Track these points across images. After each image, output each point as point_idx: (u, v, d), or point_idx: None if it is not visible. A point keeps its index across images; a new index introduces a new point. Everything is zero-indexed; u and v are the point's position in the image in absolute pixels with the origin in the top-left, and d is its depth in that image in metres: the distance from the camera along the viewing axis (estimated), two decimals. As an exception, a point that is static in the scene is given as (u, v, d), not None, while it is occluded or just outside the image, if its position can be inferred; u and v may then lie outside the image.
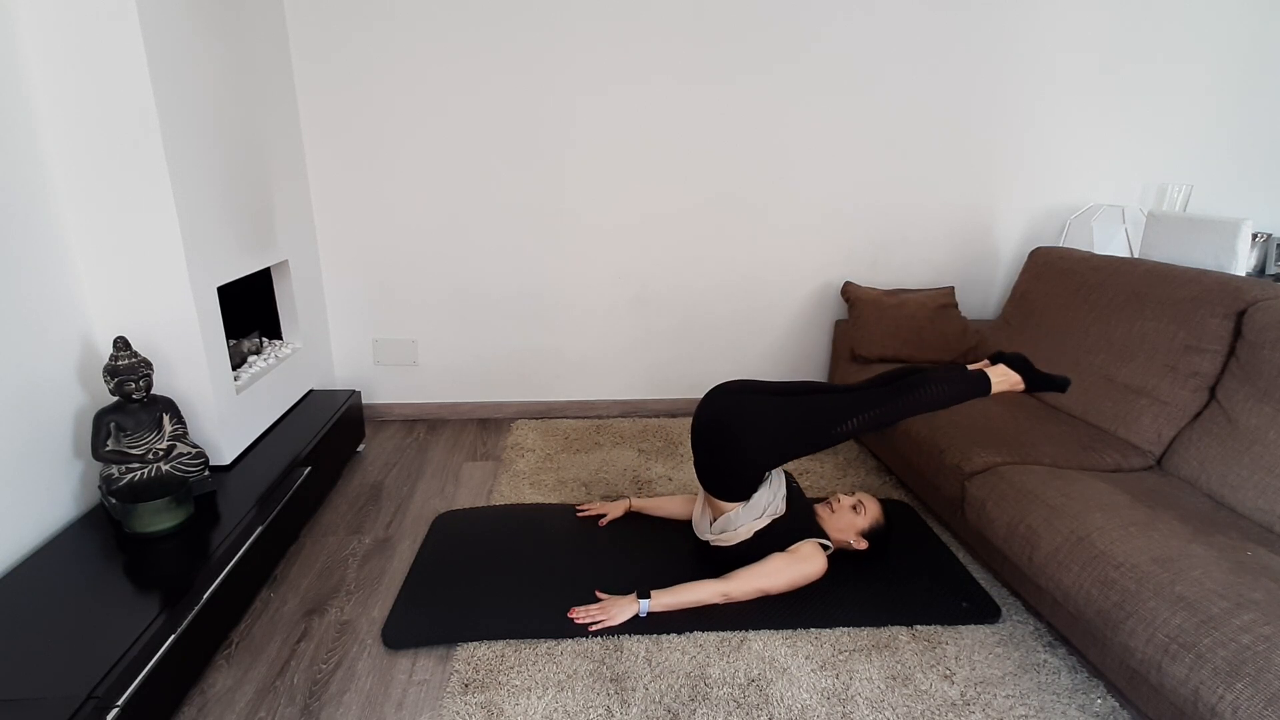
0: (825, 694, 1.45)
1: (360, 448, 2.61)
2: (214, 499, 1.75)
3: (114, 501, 1.58)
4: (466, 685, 1.46)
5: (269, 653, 1.56)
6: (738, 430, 1.66)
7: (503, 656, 1.54)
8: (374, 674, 1.51)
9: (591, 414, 3.02)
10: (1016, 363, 1.81)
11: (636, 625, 1.61)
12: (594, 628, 1.60)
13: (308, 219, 2.60)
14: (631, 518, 2.06)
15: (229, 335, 2.14)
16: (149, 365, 1.65)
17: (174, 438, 1.69)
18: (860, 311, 2.75)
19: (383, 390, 2.93)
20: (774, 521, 1.72)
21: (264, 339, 2.44)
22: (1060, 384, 1.80)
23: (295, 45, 2.44)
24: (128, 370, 1.60)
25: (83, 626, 1.27)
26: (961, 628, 1.67)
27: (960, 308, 2.93)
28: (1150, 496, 1.63)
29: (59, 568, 1.45)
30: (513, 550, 1.90)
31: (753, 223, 2.83)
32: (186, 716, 1.38)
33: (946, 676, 1.51)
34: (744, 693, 1.45)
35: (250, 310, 2.42)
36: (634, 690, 1.45)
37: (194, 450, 1.72)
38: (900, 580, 1.81)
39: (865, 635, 1.63)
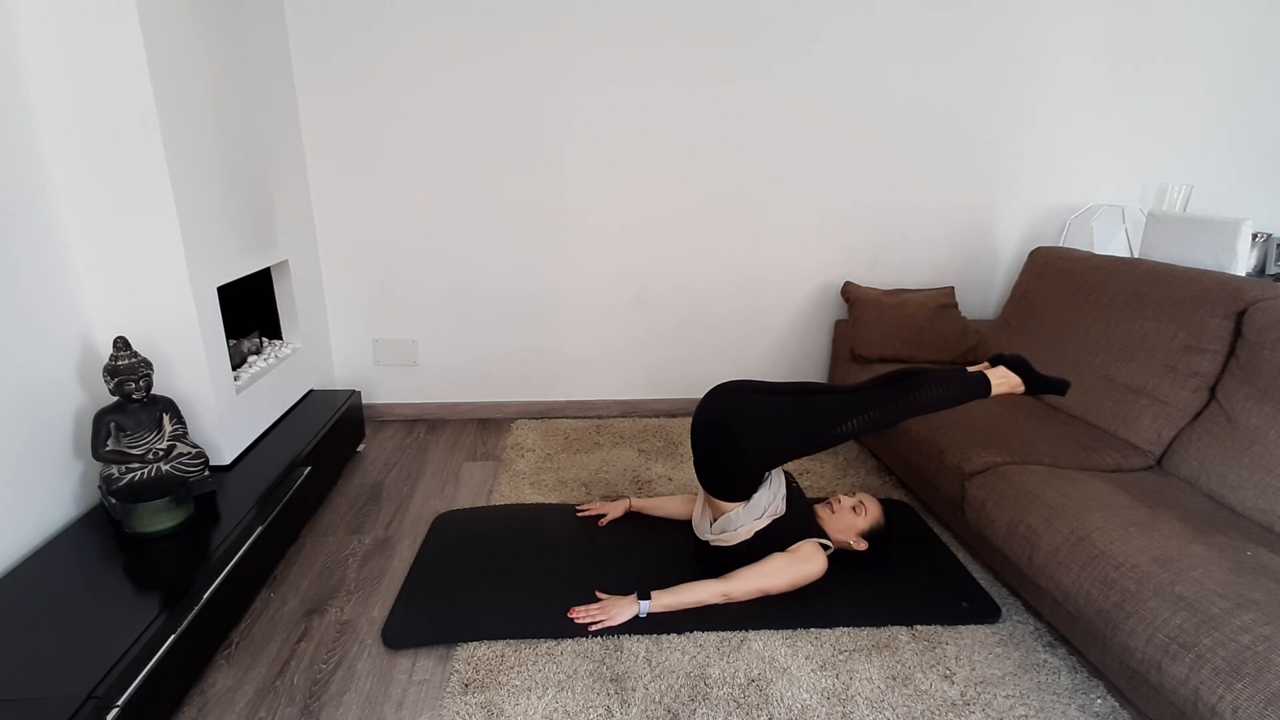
0: (825, 694, 1.45)
1: (360, 448, 2.61)
2: (214, 499, 1.75)
3: (114, 501, 1.58)
4: (466, 685, 1.46)
5: (269, 653, 1.56)
6: (738, 430, 1.66)
7: (503, 656, 1.54)
8: (374, 674, 1.51)
9: (591, 414, 3.02)
10: (1016, 365, 1.81)
11: (636, 625, 1.61)
12: (594, 628, 1.60)
13: (308, 219, 2.60)
14: (631, 518, 2.06)
15: (229, 335, 2.14)
16: (149, 365, 1.65)
17: (174, 438, 1.69)
18: (860, 311, 2.75)
19: (383, 390, 2.94)
20: (774, 522, 1.72)
21: (264, 339, 2.44)
22: (1060, 387, 1.81)
23: (295, 45, 2.45)
24: (128, 370, 1.60)
25: (83, 626, 1.27)
26: (961, 628, 1.67)
27: (960, 308, 2.93)
28: (1150, 496, 1.63)
29: (59, 568, 1.45)
30: (513, 550, 1.90)
31: (753, 223, 2.83)
32: (186, 716, 1.38)
33: (946, 676, 1.51)
34: (744, 693, 1.45)
35: (250, 310, 2.42)
36: (634, 690, 1.45)
37: (194, 450, 1.72)
38: (900, 580, 1.81)
39: (865, 635, 1.63)
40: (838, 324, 2.93)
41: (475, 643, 1.57)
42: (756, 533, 1.71)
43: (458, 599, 1.70)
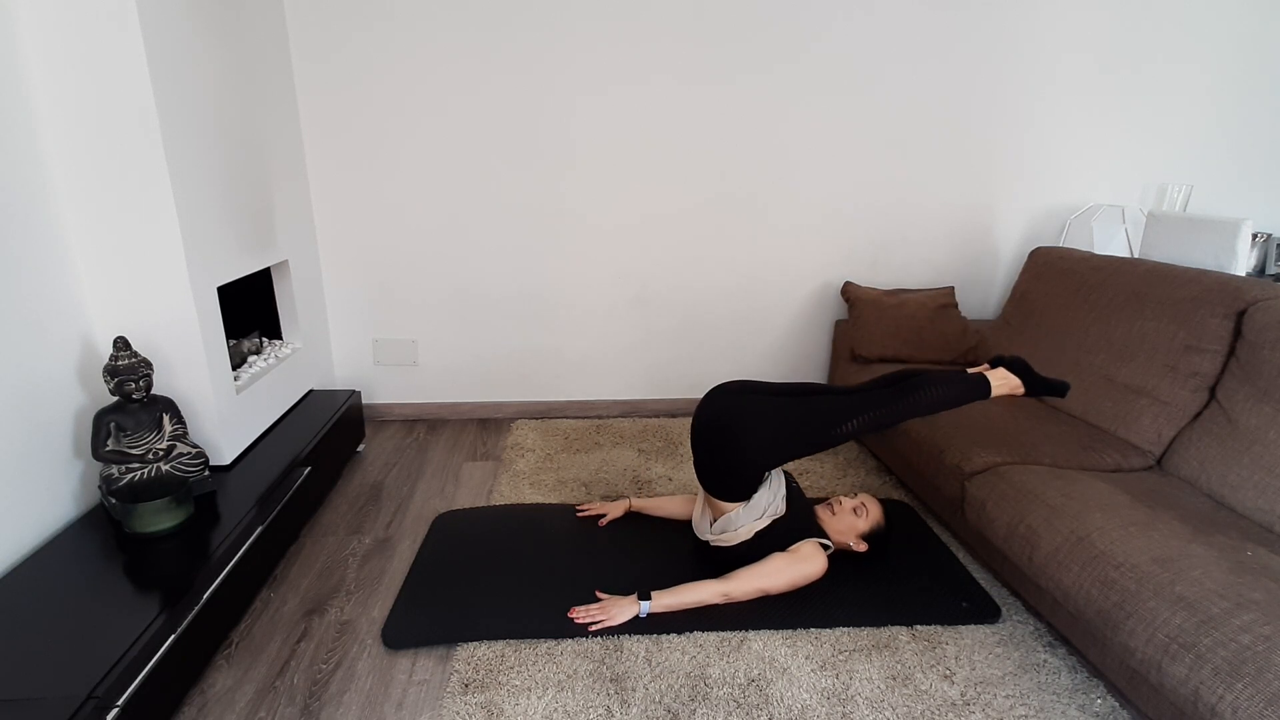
0: (825, 694, 1.45)
1: (360, 448, 2.61)
2: (214, 499, 1.75)
3: (114, 501, 1.58)
4: (466, 685, 1.46)
5: (269, 653, 1.56)
6: (738, 430, 1.66)
7: (503, 656, 1.54)
8: (374, 674, 1.51)
9: (591, 414, 3.02)
10: (1016, 367, 1.81)
11: (636, 625, 1.61)
12: (594, 628, 1.60)
13: (308, 219, 2.60)
14: (631, 518, 2.06)
15: (229, 335, 2.14)
16: (149, 365, 1.65)
17: (174, 438, 1.69)
18: (860, 311, 2.75)
19: (383, 390, 2.94)
20: (774, 522, 1.72)
21: (264, 339, 2.44)
22: (1060, 389, 1.81)
23: (295, 45, 2.45)
24: (128, 370, 1.60)
25: (83, 626, 1.27)
26: (961, 628, 1.67)
27: (960, 308, 2.93)
28: (1150, 496, 1.63)
29: (59, 568, 1.45)
30: (513, 550, 1.90)
31: (753, 223, 2.83)
32: (186, 716, 1.38)
33: (946, 676, 1.51)
34: (744, 693, 1.45)
35: (250, 310, 2.42)
36: (634, 690, 1.45)
37: (194, 450, 1.72)
38: (900, 580, 1.81)
39: (865, 635, 1.63)
40: (838, 324, 2.93)
41: (475, 643, 1.57)
42: (756, 533, 1.71)
43: (458, 599, 1.70)
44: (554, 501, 2.24)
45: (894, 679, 1.50)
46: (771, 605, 1.68)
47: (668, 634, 1.60)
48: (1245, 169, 2.98)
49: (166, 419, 1.69)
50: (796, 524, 1.75)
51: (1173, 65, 2.77)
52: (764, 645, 1.59)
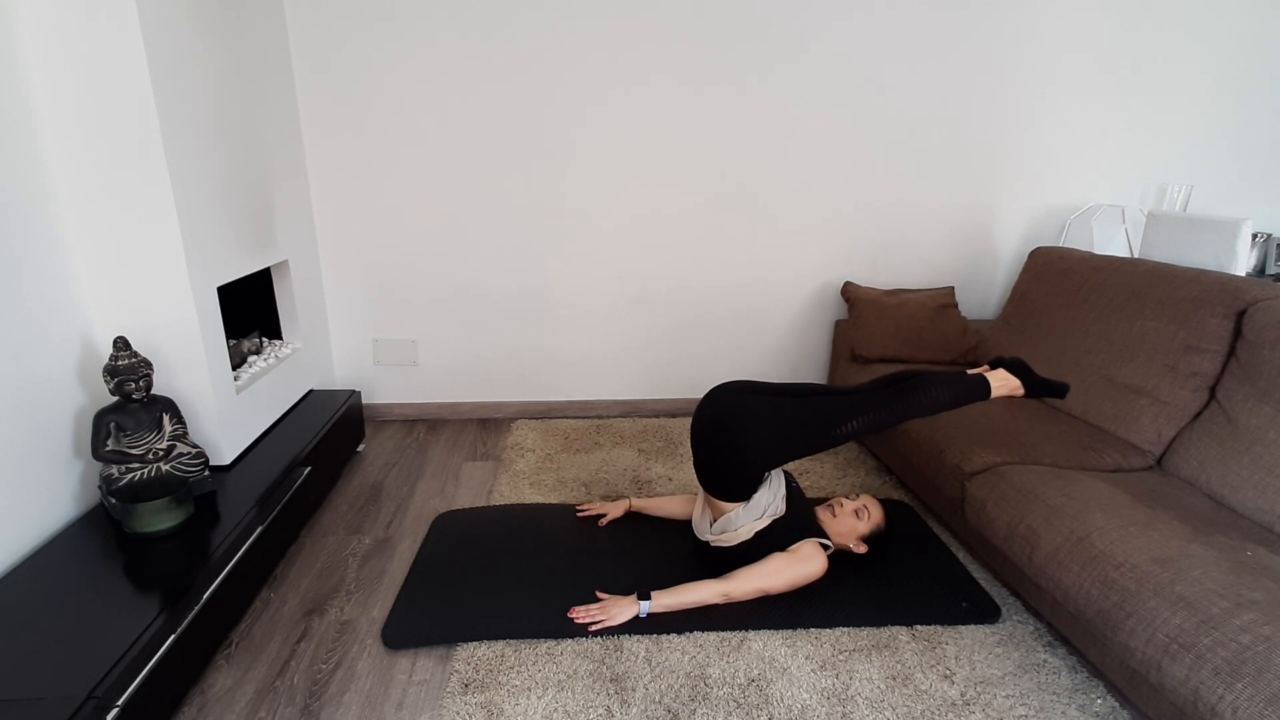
0: (825, 694, 1.45)
1: (360, 448, 2.61)
2: (214, 499, 1.75)
3: (114, 501, 1.58)
4: (466, 685, 1.46)
5: (269, 653, 1.56)
6: (737, 430, 1.66)
7: (503, 656, 1.54)
8: (374, 674, 1.51)
9: (591, 414, 3.02)
10: (1016, 368, 1.81)
11: (636, 625, 1.61)
12: (594, 628, 1.60)
13: (308, 219, 2.60)
14: (631, 518, 2.06)
15: (229, 335, 2.14)
16: (149, 365, 1.65)
17: (174, 438, 1.69)
18: (860, 311, 2.75)
19: (383, 390, 2.94)
20: (774, 522, 1.72)
21: (264, 339, 2.44)
22: (1059, 390, 1.81)
23: (295, 45, 2.45)
24: (128, 370, 1.60)
25: (83, 626, 1.27)
26: (961, 628, 1.67)
27: (960, 308, 2.93)
28: (1150, 496, 1.63)
29: (59, 568, 1.45)
30: (513, 550, 1.90)
31: (753, 223, 2.83)
32: (186, 716, 1.38)
33: (946, 676, 1.51)
34: (744, 693, 1.45)
35: (250, 310, 2.42)
36: (634, 690, 1.45)
37: (194, 450, 1.72)
38: (900, 580, 1.81)
39: (865, 635, 1.63)
40: (838, 324, 2.93)
41: (475, 643, 1.57)
42: (756, 533, 1.71)
43: (458, 599, 1.70)
44: (554, 501, 2.24)
45: (894, 679, 1.50)
46: (771, 605, 1.68)
47: (668, 634, 1.60)
48: (1245, 169, 2.98)
49: (166, 419, 1.69)
50: (796, 524, 1.75)
51: (1173, 65, 2.77)
52: (764, 645, 1.59)
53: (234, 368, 2.13)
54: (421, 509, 2.20)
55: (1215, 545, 1.41)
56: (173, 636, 1.31)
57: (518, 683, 1.46)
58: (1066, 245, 2.83)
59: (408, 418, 2.96)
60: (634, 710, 1.40)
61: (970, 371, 1.82)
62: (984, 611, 1.70)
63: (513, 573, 1.80)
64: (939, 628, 1.66)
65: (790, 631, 1.63)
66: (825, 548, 1.75)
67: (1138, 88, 2.79)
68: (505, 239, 2.75)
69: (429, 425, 2.89)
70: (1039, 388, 1.81)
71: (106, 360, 1.67)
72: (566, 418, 2.98)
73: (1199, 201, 2.97)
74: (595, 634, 1.59)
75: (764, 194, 2.79)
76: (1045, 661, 1.57)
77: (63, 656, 1.19)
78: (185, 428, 1.74)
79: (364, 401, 2.94)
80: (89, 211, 1.65)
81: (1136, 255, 2.72)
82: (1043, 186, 2.90)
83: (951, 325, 2.70)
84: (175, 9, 1.70)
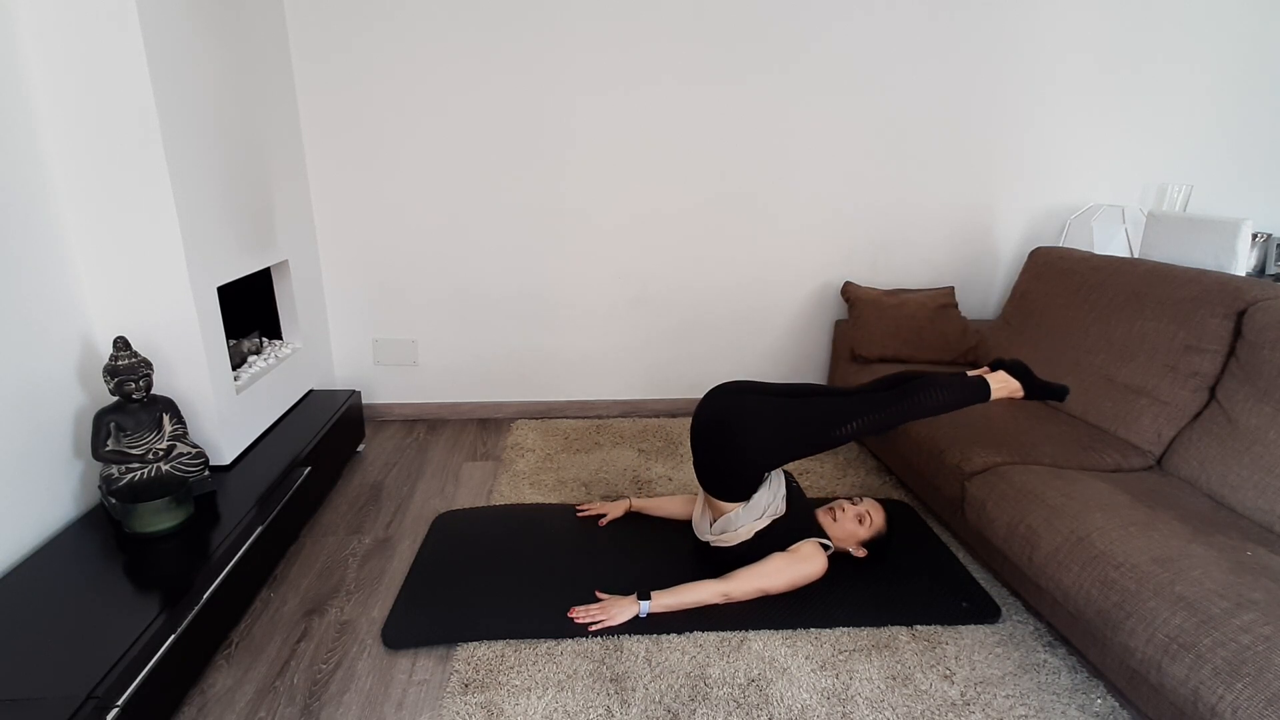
0: (825, 694, 1.45)
1: (360, 448, 2.61)
2: (214, 499, 1.75)
3: (114, 501, 1.58)
4: (466, 685, 1.46)
5: (269, 653, 1.56)
6: (737, 430, 1.66)
7: (503, 656, 1.54)
8: (374, 674, 1.51)
9: (591, 414, 3.02)
10: (1016, 370, 1.81)
11: (636, 625, 1.61)
12: (594, 628, 1.60)
13: (308, 219, 2.60)
14: (631, 518, 2.06)
15: (229, 335, 2.14)
16: (149, 365, 1.65)
17: (174, 438, 1.69)
18: (860, 311, 2.75)
19: (383, 390, 2.94)
20: (774, 522, 1.72)
21: (264, 339, 2.44)
22: (1059, 393, 1.81)
23: (295, 45, 2.45)
24: (128, 370, 1.60)
25: (83, 626, 1.27)
26: (961, 628, 1.67)
27: (960, 308, 2.93)
28: (1150, 496, 1.63)
29: (59, 568, 1.45)
30: (513, 550, 1.90)
31: (753, 223, 2.83)
32: (186, 716, 1.38)
33: (946, 676, 1.51)
34: (744, 693, 1.45)
35: (250, 310, 2.42)
36: (634, 690, 1.45)
37: (194, 450, 1.72)
38: (900, 580, 1.81)
39: (865, 635, 1.63)
40: (838, 324, 2.93)
41: (475, 643, 1.57)
42: (756, 533, 1.71)
43: (458, 599, 1.70)
44: (554, 501, 2.24)
45: (894, 679, 1.50)
46: (771, 605, 1.68)
47: (668, 634, 1.60)
48: (1245, 169, 2.98)
49: (166, 419, 1.69)
50: (796, 524, 1.75)
51: (1173, 65, 2.77)
52: (764, 645, 1.59)
53: (234, 368, 2.13)
54: (421, 509, 2.20)
55: (1215, 545, 1.41)
56: (173, 636, 1.31)
57: (518, 683, 1.46)
58: (1066, 245, 2.83)
59: (408, 418, 2.96)
60: (634, 710, 1.40)
61: (970, 373, 1.82)
62: (984, 611, 1.70)
63: (513, 573, 1.80)
64: (939, 628, 1.66)
65: (790, 631, 1.63)
66: (825, 547, 1.75)
67: (1138, 88, 2.79)
68: (505, 239, 2.75)
69: (429, 425, 2.89)
70: (1039, 390, 1.81)
71: (106, 360, 1.67)
72: (566, 418, 2.98)
73: (1199, 201, 2.97)
74: (595, 634, 1.59)
75: (764, 194, 2.79)
76: (1045, 661, 1.57)
77: (63, 656, 1.19)
78: (185, 428, 1.74)
79: (364, 401, 2.94)
80: (89, 211, 1.65)
81: (1136, 255, 2.72)
82: (1043, 186, 2.90)
83: (951, 325, 2.70)
84: (175, 9, 1.70)
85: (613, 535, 1.98)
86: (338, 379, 2.89)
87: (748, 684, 1.48)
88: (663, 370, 3.01)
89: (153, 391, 1.69)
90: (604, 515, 2.05)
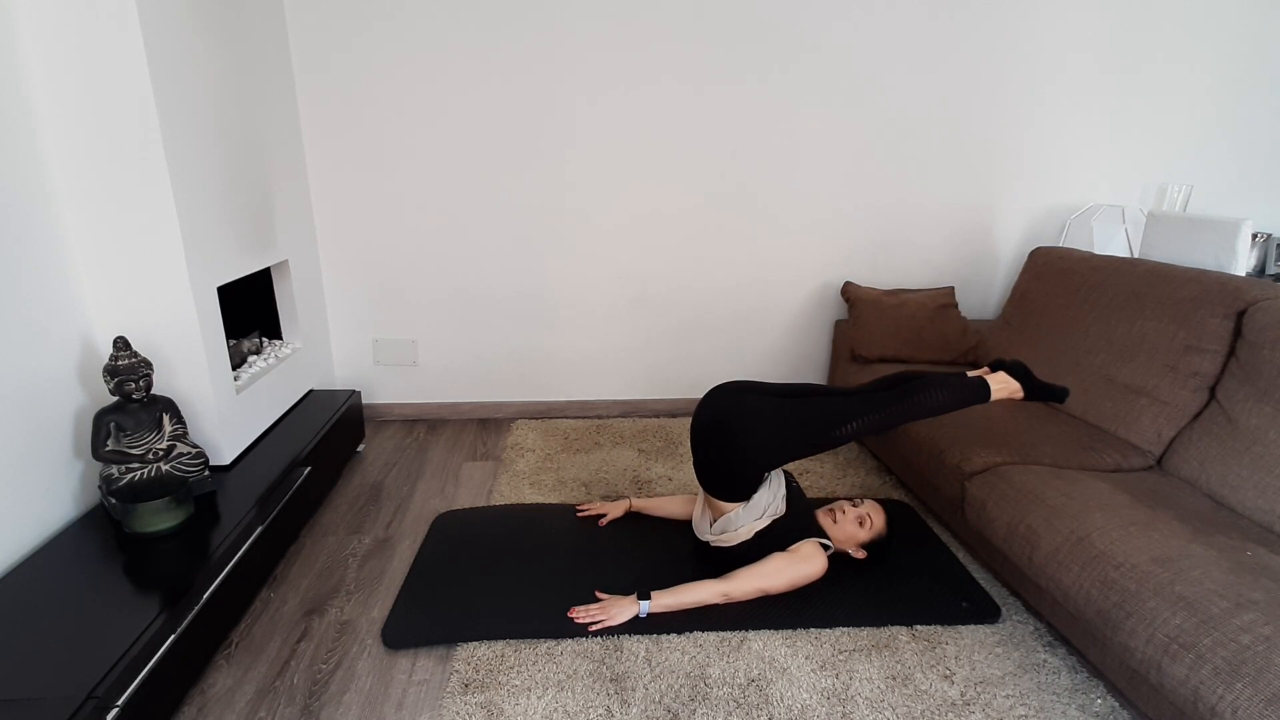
0: (825, 694, 1.45)
1: (360, 448, 2.61)
2: (214, 499, 1.75)
3: (114, 501, 1.58)
4: (466, 685, 1.46)
5: (269, 653, 1.56)
6: (737, 430, 1.66)
7: (503, 656, 1.54)
8: (374, 674, 1.51)
9: (591, 414, 3.02)
10: (1016, 371, 1.81)
11: (636, 625, 1.61)
12: (594, 628, 1.60)
13: (308, 219, 2.60)
14: (631, 518, 2.06)
15: (229, 335, 2.14)
16: (149, 365, 1.65)
17: (174, 438, 1.69)
18: (860, 311, 2.75)
19: (383, 390, 2.94)
20: (774, 522, 1.72)
21: (264, 339, 2.44)
22: (1059, 394, 1.81)
23: (295, 45, 2.45)
24: (128, 370, 1.60)
25: (83, 626, 1.27)
26: (961, 628, 1.67)
27: (960, 308, 2.93)
28: (1150, 496, 1.63)
29: (59, 568, 1.45)
30: (513, 550, 1.90)
31: (753, 223, 2.83)
32: (186, 716, 1.38)
33: (946, 676, 1.51)
34: (744, 693, 1.45)
35: (250, 310, 2.42)
36: (634, 690, 1.45)
37: (194, 450, 1.72)
38: (900, 580, 1.81)
39: (865, 635, 1.63)
40: (838, 324, 2.93)
41: (475, 643, 1.57)
42: (756, 533, 1.71)
43: (458, 599, 1.70)
44: (554, 501, 2.24)
45: (894, 679, 1.50)
46: (771, 605, 1.68)
47: (668, 634, 1.60)
48: (1245, 169, 2.98)
49: (166, 419, 1.69)
50: (796, 524, 1.75)
51: (1173, 65, 2.77)
52: (764, 645, 1.59)
53: (234, 368, 2.13)
54: (421, 509, 2.20)
55: (1215, 545, 1.41)
56: (173, 636, 1.31)
57: (518, 683, 1.46)
58: (1066, 245, 2.83)
59: (408, 418, 2.96)
60: (634, 710, 1.40)
61: (970, 374, 1.82)
62: (984, 611, 1.70)
63: (513, 573, 1.80)
64: (939, 628, 1.66)
65: (790, 631, 1.63)
66: (825, 547, 1.75)
67: (1138, 88, 2.79)
68: (505, 239, 2.75)
69: (429, 425, 2.89)
70: (1038, 391, 1.81)
71: (106, 360, 1.67)
72: (566, 418, 2.98)
73: (1199, 201, 2.97)
74: (595, 634, 1.59)
75: (764, 194, 2.79)
76: (1045, 661, 1.57)
77: (63, 656, 1.19)
78: (185, 428, 1.74)
79: (364, 401, 2.94)
80: (89, 211, 1.65)
81: (1136, 255, 2.72)
82: (1043, 186, 2.90)
83: (951, 325, 2.70)
84: (175, 9, 1.70)
85: (613, 535, 1.98)
86: (338, 379, 2.89)
87: (748, 684, 1.48)
88: (663, 370, 3.01)
89: (153, 391, 1.69)
90: (604, 515, 2.05)
